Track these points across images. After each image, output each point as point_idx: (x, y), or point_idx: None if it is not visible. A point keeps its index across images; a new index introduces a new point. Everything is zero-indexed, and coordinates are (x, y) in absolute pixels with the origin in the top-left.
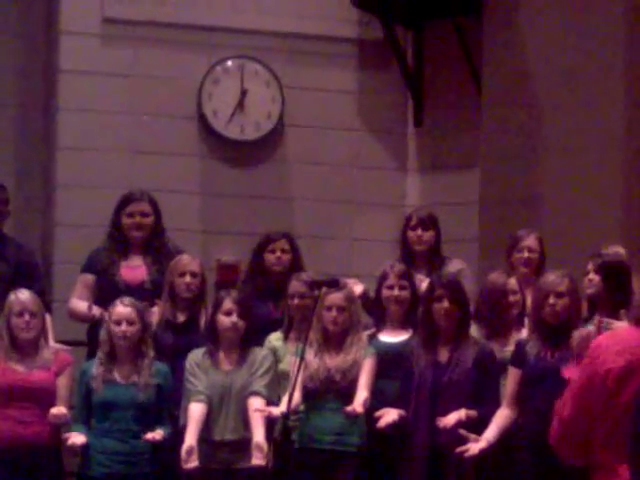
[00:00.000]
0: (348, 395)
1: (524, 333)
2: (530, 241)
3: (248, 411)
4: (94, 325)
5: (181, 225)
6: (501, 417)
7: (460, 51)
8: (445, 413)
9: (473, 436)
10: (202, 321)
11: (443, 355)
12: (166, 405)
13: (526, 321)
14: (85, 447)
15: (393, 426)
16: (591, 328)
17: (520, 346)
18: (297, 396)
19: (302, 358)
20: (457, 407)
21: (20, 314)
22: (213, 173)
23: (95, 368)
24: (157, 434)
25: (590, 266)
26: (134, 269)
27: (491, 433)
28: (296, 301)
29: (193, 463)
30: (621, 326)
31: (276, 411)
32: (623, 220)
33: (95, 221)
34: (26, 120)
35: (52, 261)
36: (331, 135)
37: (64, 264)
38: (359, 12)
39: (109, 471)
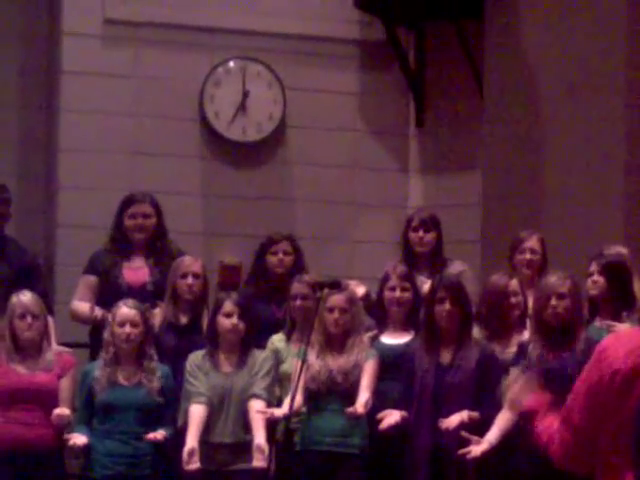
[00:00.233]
0: (350, 397)
1: (526, 335)
2: (532, 242)
3: (248, 414)
4: (96, 327)
5: (183, 227)
6: (503, 419)
7: (462, 52)
8: (447, 415)
9: (475, 438)
10: (204, 323)
11: (445, 357)
12: (168, 407)
13: (528, 323)
14: (87, 449)
15: (395, 428)
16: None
17: (522, 348)
18: (299, 398)
19: (304, 360)
20: (459, 409)
21: (22, 316)
22: (215, 174)
23: (98, 369)
24: (159, 434)
25: (593, 267)
26: (136, 271)
27: (493, 435)
28: (298, 302)
29: (195, 465)
30: (624, 328)
31: (278, 412)
32: (625, 221)
33: (97, 223)
34: (28, 121)
35: (54, 263)
36: (333, 136)
37: (66, 266)
38: (361, 13)
39: (111, 473)
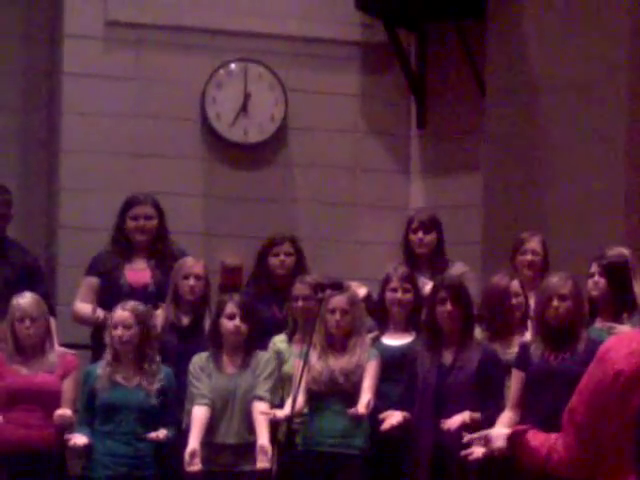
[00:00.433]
0: (352, 397)
1: (528, 336)
2: (534, 244)
3: (252, 415)
4: (98, 328)
5: (185, 228)
6: (505, 420)
7: (463, 54)
8: (449, 415)
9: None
10: (206, 324)
11: (447, 358)
12: (170, 408)
13: (529, 324)
14: (89, 449)
15: (397, 428)
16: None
17: (524, 349)
18: (301, 399)
19: (306, 361)
20: (461, 409)
21: (21, 320)
22: (216, 176)
23: (100, 370)
24: (160, 433)
25: (594, 268)
26: (138, 272)
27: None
28: (300, 304)
29: (196, 466)
30: (625, 330)
31: (280, 414)
32: (626, 222)
33: (99, 224)
34: (29, 123)
35: (56, 264)
36: (334, 138)
37: (68, 267)
38: (362, 15)
39: (112, 473)
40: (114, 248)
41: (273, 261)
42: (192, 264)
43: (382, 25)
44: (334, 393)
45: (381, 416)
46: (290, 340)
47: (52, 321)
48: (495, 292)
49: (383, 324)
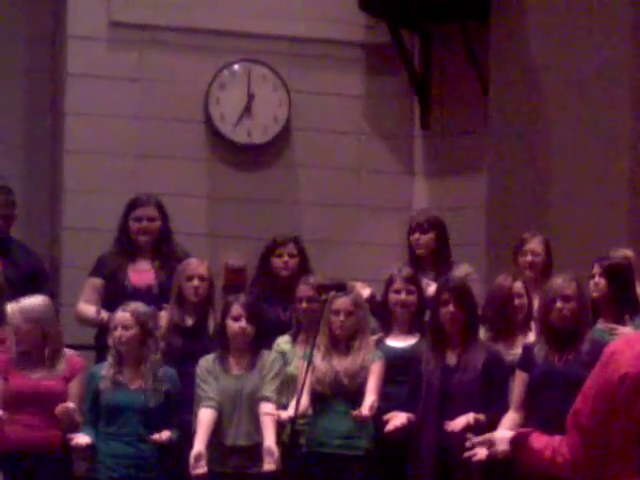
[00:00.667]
0: (356, 399)
1: (531, 337)
2: (534, 244)
3: (259, 416)
4: (102, 330)
5: (188, 229)
6: (508, 421)
7: (467, 55)
8: (453, 417)
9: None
10: (210, 325)
11: (451, 359)
12: (173, 410)
13: (533, 325)
14: (93, 451)
15: (401, 430)
16: None
17: (527, 350)
18: (305, 400)
19: (310, 362)
20: (465, 411)
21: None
22: (220, 177)
23: (104, 372)
24: (163, 435)
25: (596, 269)
26: (142, 273)
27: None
28: (304, 305)
29: (202, 469)
30: (627, 331)
31: (284, 415)
32: (630, 223)
33: (102, 225)
34: (33, 124)
35: (60, 265)
36: (338, 139)
37: (72, 268)
38: (366, 16)
39: (116, 475)
40: (118, 249)
41: (277, 262)
42: (196, 265)
43: (386, 26)
44: (338, 394)
45: (385, 417)
46: (294, 341)
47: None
48: (498, 293)
49: (387, 325)
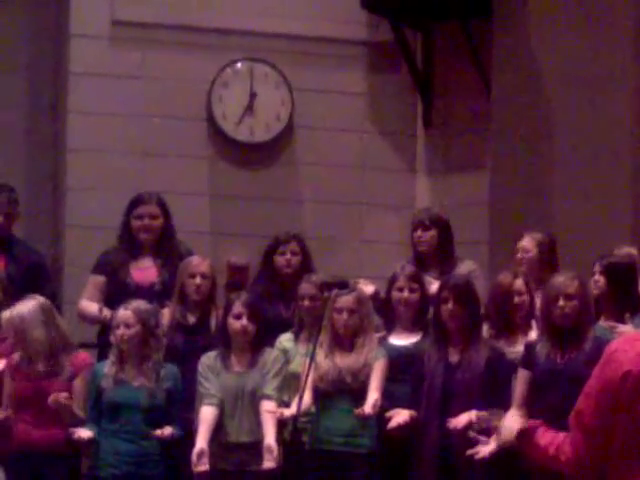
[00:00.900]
0: (359, 396)
1: (533, 335)
2: (525, 241)
3: (260, 414)
4: (105, 327)
5: (191, 227)
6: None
7: (469, 52)
8: (455, 414)
9: (483, 438)
10: (212, 323)
11: (454, 356)
12: (176, 407)
13: (534, 323)
14: (95, 448)
15: (404, 427)
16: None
17: (530, 348)
18: (307, 397)
19: (312, 359)
20: (467, 408)
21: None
22: (222, 175)
23: (106, 369)
24: (166, 430)
25: (596, 267)
26: (144, 271)
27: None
28: (306, 303)
29: (204, 466)
30: (627, 330)
31: (287, 413)
32: (633, 220)
33: (105, 223)
34: (36, 122)
35: (62, 263)
36: (340, 137)
37: (74, 266)
38: (368, 14)
39: (118, 472)
40: (121, 247)
41: (279, 260)
42: (198, 263)
43: (388, 24)
44: (341, 392)
45: (387, 414)
46: (296, 339)
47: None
48: (498, 290)
49: (390, 323)
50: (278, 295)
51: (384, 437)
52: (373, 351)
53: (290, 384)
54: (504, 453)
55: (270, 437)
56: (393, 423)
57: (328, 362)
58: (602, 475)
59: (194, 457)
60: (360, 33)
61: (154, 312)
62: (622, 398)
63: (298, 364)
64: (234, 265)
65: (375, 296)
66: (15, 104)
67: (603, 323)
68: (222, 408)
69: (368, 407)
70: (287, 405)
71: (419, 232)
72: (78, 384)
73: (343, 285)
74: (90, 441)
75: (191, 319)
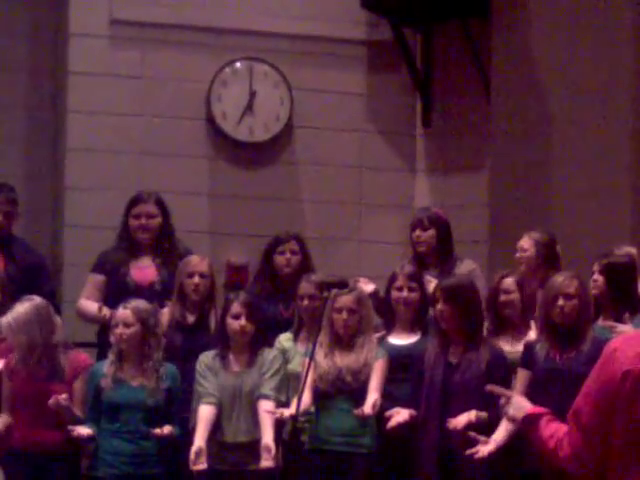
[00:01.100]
0: (359, 396)
1: (532, 335)
2: (522, 241)
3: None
4: (104, 327)
5: (190, 226)
6: None
7: (469, 52)
8: (455, 414)
9: (483, 438)
10: (212, 322)
11: (454, 357)
12: (175, 406)
13: (532, 323)
14: (94, 447)
15: (403, 426)
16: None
17: (529, 348)
18: (307, 397)
19: (311, 359)
20: (467, 408)
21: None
22: (222, 175)
23: (105, 369)
24: (165, 429)
25: (595, 266)
26: (143, 270)
27: (500, 435)
28: (306, 302)
29: (202, 465)
30: (626, 329)
31: (287, 413)
32: (633, 220)
33: (104, 222)
34: (35, 122)
35: (62, 262)
36: (340, 137)
37: (73, 265)
38: (368, 14)
39: (117, 472)
40: (120, 246)
41: (279, 259)
42: (197, 262)
43: (388, 24)
44: (341, 392)
45: (387, 413)
46: (295, 339)
47: (58, 320)
48: (490, 289)
49: (389, 323)
50: (277, 294)
51: (384, 436)
52: (373, 351)
53: (290, 384)
54: (504, 453)
55: (268, 436)
56: (393, 422)
57: (328, 362)
58: (600, 474)
59: (192, 456)
60: (360, 33)
61: (153, 311)
62: (621, 398)
63: (297, 364)
64: (233, 265)
65: (374, 295)
66: (14, 103)
67: (602, 323)
68: (220, 407)
69: (368, 407)
70: (285, 405)
71: (418, 232)
72: (78, 386)
73: (343, 285)
74: (90, 438)
75: (190, 318)
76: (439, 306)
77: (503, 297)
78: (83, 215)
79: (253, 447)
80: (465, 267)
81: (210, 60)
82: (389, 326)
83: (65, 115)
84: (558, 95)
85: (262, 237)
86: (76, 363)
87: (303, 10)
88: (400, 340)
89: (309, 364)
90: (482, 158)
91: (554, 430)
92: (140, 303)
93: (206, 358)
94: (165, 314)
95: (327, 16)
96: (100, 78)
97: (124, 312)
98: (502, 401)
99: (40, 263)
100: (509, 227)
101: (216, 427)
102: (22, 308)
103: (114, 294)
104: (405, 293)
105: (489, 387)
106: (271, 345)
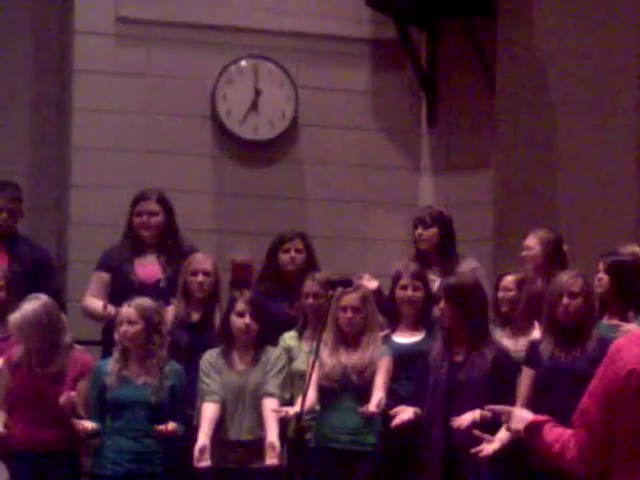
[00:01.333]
0: (364, 394)
1: (536, 333)
2: (528, 239)
3: (262, 412)
4: (109, 325)
5: (195, 225)
6: None
7: (474, 51)
8: (460, 413)
9: (487, 437)
10: (216, 320)
11: (459, 355)
12: (179, 405)
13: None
14: (98, 445)
15: (408, 424)
16: None
17: (534, 346)
18: (312, 395)
19: (316, 357)
20: (472, 407)
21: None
22: (227, 173)
23: (109, 367)
24: (169, 425)
25: (600, 265)
26: (147, 267)
27: (505, 434)
28: (310, 301)
29: (205, 462)
30: (631, 328)
31: (291, 411)
32: (637, 219)
33: (109, 220)
34: (40, 120)
35: (66, 260)
36: (345, 135)
37: (78, 263)
38: (373, 12)
39: (122, 470)
40: (125, 243)
41: (283, 258)
42: (201, 260)
43: (393, 22)
44: (346, 390)
45: (392, 411)
46: (300, 337)
47: (63, 317)
48: (495, 287)
49: (393, 321)
50: (282, 293)
51: (388, 434)
52: (378, 349)
53: (294, 382)
54: (508, 452)
55: (272, 434)
56: (397, 420)
57: (333, 360)
58: (606, 474)
59: (196, 453)
60: (365, 31)
61: (158, 309)
62: (626, 397)
63: (302, 362)
64: (238, 263)
65: (378, 292)
66: (20, 101)
67: (607, 321)
68: (224, 405)
69: (373, 405)
70: (289, 403)
71: (420, 230)
72: (82, 386)
73: (347, 283)
74: (94, 433)
75: (195, 316)
76: (441, 305)
77: (501, 294)
78: (88, 213)
79: (257, 445)
80: (467, 266)
81: (215, 58)
82: (394, 324)
83: (70, 113)
84: (563, 92)
85: (267, 235)
86: (81, 364)
87: (308, 8)
88: (405, 338)
89: (314, 362)
90: (487, 156)
91: (558, 434)
92: (144, 301)
93: (210, 356)
94: (170, 312)
95: (332, 14)
96: (106, 76)
97: (128, 310)
98: (503, 418)
99: (45, 261)
100: (514, 226)
101: (220, 425)
102: (31, 307)
103: (119, 292)
104: (410, 292)
105: (488, 407)
106: (275, 343)
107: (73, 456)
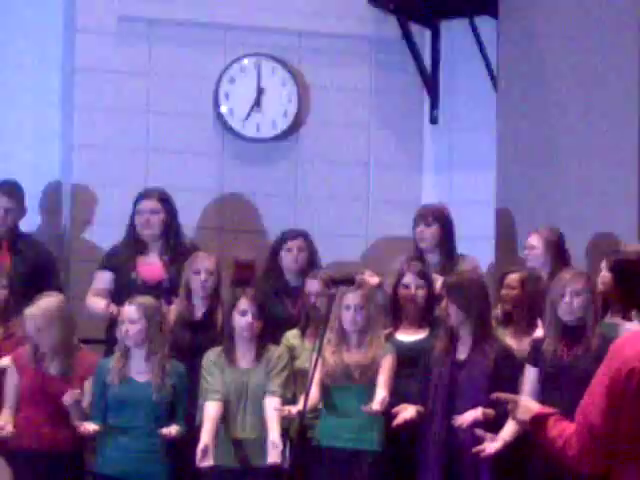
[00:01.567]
0: (367, 393)
1: (539, 332)
2: (530, 238)
3: (264, 410)
4: (112, 323)
5: (197, 223)
6: None
7: (476, 50)
8: (462, 412)
9: (489, 435)
10: (219, 319)
11: (462, 353)
12: (181, 404)
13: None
14: (100, 444)
15: (410, 423)
16: None
17: (536, 344)
18: (315, 394)
19: (319, 355)
20: (474, 405)
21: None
22: (229, 171)
23: (111, 365)
24: (172, 429)
25: (603, 263)
26: (150, 266)
27: (507, 432)
28: (312, 299)
29: (208, 462)
30: (634, 327)
31: (294, 410)
32: (638, 220)
33: (112, 219)
34: (42, 118)
35: (69, 259)
36: (347, 133)
37: (81, 262)
38: (375, 10)
39: (123, 468)
40: (127, 242)
41: (286, 256)
42: (203, 258)
43: (395, 20)
44: (349, 388)
45: (394, 410)
46: (303, 335)
47: None
48: (499, 285)
49: (396, 319)
50: (285, 292)
51: (391, 433)
52: (381, 347)
53: (297, 380)
54: (510, 451)
55: (275, 433)
56: (400, 419)
57: (336, 358)
58: (608, 472)
59: (199, 453)
60: (367, 29)
61: (159, 308)
62: (627, 396)
63: (305, 360)
64: (241, 262)
65: (379, 288)
66: (21, 100)
67: (610, 320)
68: (226, 404)
69: (376, 404)
70: (292, 402)
71: (421, 227)
72: (88, 386)
73: (350, 281)
74: (97, 434)
75: (197, 315)
76: (442, 304)
77: (505, 292)
78: (90, 211)
79: (259, 444)
80: (467, 264)
81: (218, 57)
82: (396, 322)
83: (72, 111)
84: (566, 91)
85: (269, 234)
86: (87, 364)
87: (311, 7)
88: (408, 336)
89: (316, 361)
90: (489, 155)
91: (562, 429)
92: (146, 300)
93: (212, 355)
94: (172, 311)
95: (335, 13)
96: (107, 74)
97: (129, 309)
98: (510, 406)
99: (48, 260)
100: (516, 224)
101: (222, 423)
102: (49, 302)
103: (121, 291)
104: (412, 290)
105: (495, 394)
106: (278, 342)
107: (78, 455)
